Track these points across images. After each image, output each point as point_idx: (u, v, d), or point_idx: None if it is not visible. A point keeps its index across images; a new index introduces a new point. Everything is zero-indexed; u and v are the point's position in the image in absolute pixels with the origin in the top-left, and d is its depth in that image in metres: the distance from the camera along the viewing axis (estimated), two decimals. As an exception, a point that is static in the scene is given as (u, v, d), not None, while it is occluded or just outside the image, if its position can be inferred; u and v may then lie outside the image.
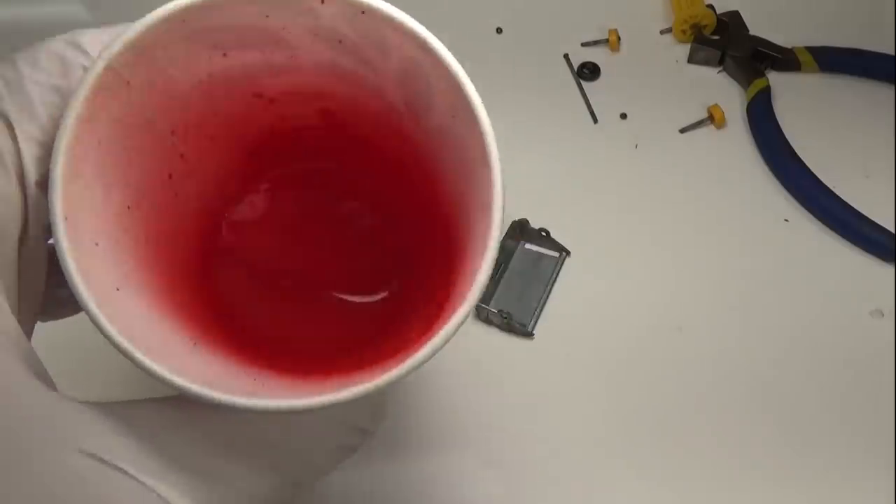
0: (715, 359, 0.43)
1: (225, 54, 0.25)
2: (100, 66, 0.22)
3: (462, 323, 0.23)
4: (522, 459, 0.40)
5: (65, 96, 0.23)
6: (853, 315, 0.44)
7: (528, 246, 0.47)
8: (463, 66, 0.26)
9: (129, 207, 0.24)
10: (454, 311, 0.23)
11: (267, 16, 0.24)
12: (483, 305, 0.43)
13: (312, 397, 0.22)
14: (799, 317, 0.44)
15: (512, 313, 0.43)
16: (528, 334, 0.44)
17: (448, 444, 0.40)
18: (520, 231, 0.46)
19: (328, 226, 0.33)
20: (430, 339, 0.23)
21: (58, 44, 0.24)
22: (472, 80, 0.25)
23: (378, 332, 0.30)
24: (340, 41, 0.26)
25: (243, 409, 0.21)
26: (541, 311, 0.44)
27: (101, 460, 0.21)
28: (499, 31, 0.57)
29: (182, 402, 0.23)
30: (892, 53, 0.54)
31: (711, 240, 0.47)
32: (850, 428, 0.41)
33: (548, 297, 0.45)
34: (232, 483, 0.23)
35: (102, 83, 0.22)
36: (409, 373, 0.22)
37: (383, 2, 0.25)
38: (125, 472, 0.21)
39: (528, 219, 0.46)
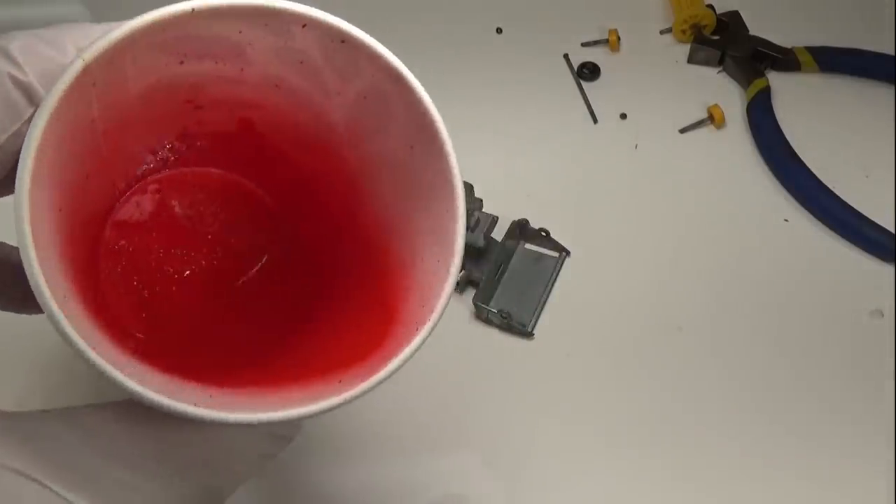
0: (715, 359, 0.43)
1: (181, 62, 0.25)
2: (78, 65, 0.22)
3: (425, 340, 0.25)
4: (522, 459, 0.40)
5: None
6: (853, 315, 0.44)
7: (528, 246, 0.47)
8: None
9: (60, 210, 0.24)
10: (417, 326, 0.25)
11: (240, 31, 0.24)
12: (483, 305, 0.43)
13: (282, 410, 0.22)
14: (799, 317, 0.44)
15: (512, 313, 0.43)
16: (528, 334, 0.44)
17: (448, 444, 0.40)
18: (520, 231, 0.46)
19: (218, 231, 0.32)
20: (395, 353, 0.24)
21: None
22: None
23: (285, 337, 0.30)
24: (302, 62, 0.26)
25: (209, 421, 0.21)
26: (541, 311, 0.44)
27: (18, 472, 0.21)
28: (499, 31, 0.57)
29: (93, 411, 0.23)
30: (892, 53, 0.54)
31: (711, 240, 0.47)
32: (850, 428, 0.41)
33: (548, 297, 0.45)
34: (148, 493, 0.23)
35: (77, 82, 0.22)
36: (377, 385, 0.24)
37: (363, 32, 0.25)
38: (41, 484, 0.21)
39: (528, 219, 0.46)
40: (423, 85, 0.25)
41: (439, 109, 0.26)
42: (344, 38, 0.24)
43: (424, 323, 0.25)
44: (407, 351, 0.24)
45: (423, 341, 0.24)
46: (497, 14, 0.57)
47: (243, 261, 0.32)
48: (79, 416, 0.23)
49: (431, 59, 0.55)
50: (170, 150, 0.30)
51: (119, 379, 0.21)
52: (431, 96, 0.25)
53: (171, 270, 0.31)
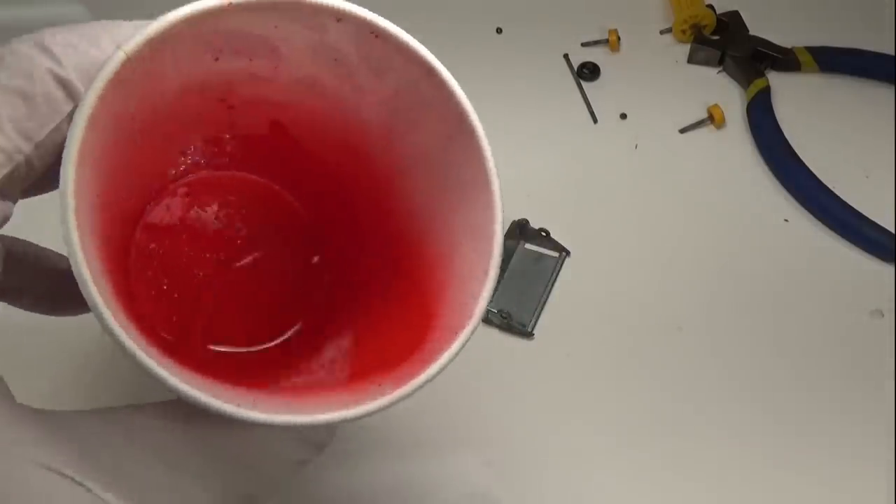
0: (715, 359, 0.43)
1: (217, 59, 0.25)
2: (119, 57, 0.22)
3: (468, 340, 0.25)
4: (522, 459, 0.40)
5: (29, 101, 0.22)
6: (853, 315, 0.44)
7: (528, 246, 0.47)
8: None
9: (96, 209, 0.24)
10: (456, 330, 0.24)
11: (276, 26, 0.24)
12: (483, 305, 0.43)
13: (324, 413, 0.22)
14: (799, 317, 0.44)
15: (512, 313, 0.43)
16: (528, 334, 0.44)
17: (448, 444, 0.40)
18: (520, 231, 0.46)
19: (248, 235, 0.32)
20: (435, 357, 0.24)
21: (24, 45, 0.23)
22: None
23: (320, 340, 0.30)
24: (336, 59, 0.26)
25: (253, 422, 0.21)
26: (541, 311, 0.44)
27: (52, 469, 0.21)
28: (499, 31, 0.57)
29: (133, 412, 0.23)
30: (892, 53, 0.54)
31: (711, 240, 0.47)
32: (851, 428, 0.41)
33: (548, 297, 0.45)
34: (186, 494, 0.23)
35: (118, 75, 0.22)
36: (417, 389, 0.24)
37: (396, 26, 0.25)
38: (75, 481, 0.21)
39: (528, 219, 0.46)
40: (468, 100, 0.25)
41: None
42: (377, 33, 0.24)
43: (464, 327, 0.24)
44: (447, 356, 0.24)
45: (463, 346, 0.24)
46: (497, 14, 0.57)
47: (274, 265, 0.32)
48: (116, 415, 0.23)
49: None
50: (201, 152, 0.30)
51: (167, 379, 0.21)
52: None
53: (202, 274, 0.31)
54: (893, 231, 0.46)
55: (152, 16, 0.23)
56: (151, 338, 0.23)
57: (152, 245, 0.30)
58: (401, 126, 0.27)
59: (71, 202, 0.21)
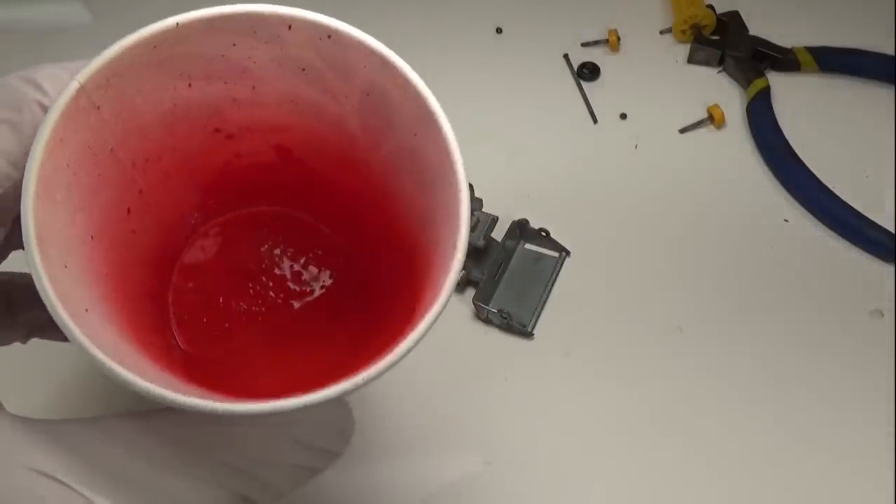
0: (715, 359, 0.43)
1: (190, 84, 0.25)
2: (73, 86, 0.22)
3: (435, 320, 0.23)
4: (522, 459, 0.40)
5: (17, 131, 0.23)
6: (853, 315, 0.44)
7: (528, 246, 0.47)
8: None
9: (92, 237, 0.24)
10: (423, 313, 0.23)
11: (234, 44, 0.24)
12: (483, 305, 0.43)
13: (297, 398, 0.22)
14: (799, 317, 0.44)
15: (512, 313, 0.43)
16: (528, 334, 0.44)
17: (448, 444, 0.40)
18: (520, 231, 0.46)
19: (279, 268, 0.33)
20: (402, 340, 0.23)
21: (13, 79, 0.24)
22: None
23: (346, 359, 0.30)
24: (304, 69, 0.26)
25: (238, 415, 0.21)
26: (541, 311, 0.44)
27: (48, 475, 0.21)
28: (499, 31, 0.57)
29: (125, 419, 0.23)
30: (892, 53, 0.54)
31: (711, 240, 0.47)
32: (851, 427, 0.41)
33: (548, 297, 0.45)
34: (177, 496, 0.23)
35: (75, 104, 0.22)
36: (386, 369, 0.22)
37: (347, 25, 0.25)
38: (71, 488, 0.21)
39: (528, 219, 0.46)
40: (425, 84, 0.25)
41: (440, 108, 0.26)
42: (330, 33, 0.25)
43: (431, 307, 0.24)
44: (413, 336, 0.23)
45: (430, 325, 0.23)
46: (497, 14, 0.57)
47: (307, 288, 0.32)
48: (107, 422, 0.23)
49: (431, 60, 0.55)
50: (217, 189, 0.31)
51: (122, 374, 0.21)
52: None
53: (243, 307, 0.31)
54: (893, 231, 0.46)
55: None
56: (186, 372, 0.23)
57: (190, 284, 0.31)
58: (380, 126, 0.27)
59: (30, 211, 0.21)
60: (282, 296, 0.32)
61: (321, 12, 0.25)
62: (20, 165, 0.23)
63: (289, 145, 0.30)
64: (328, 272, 0.32)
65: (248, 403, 0.21)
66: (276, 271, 0.32)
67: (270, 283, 0.32)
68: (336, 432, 0.26)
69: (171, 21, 0.23)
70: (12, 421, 0.22)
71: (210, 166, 0.30)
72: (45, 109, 0.23)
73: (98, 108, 0.23)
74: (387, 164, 0.28)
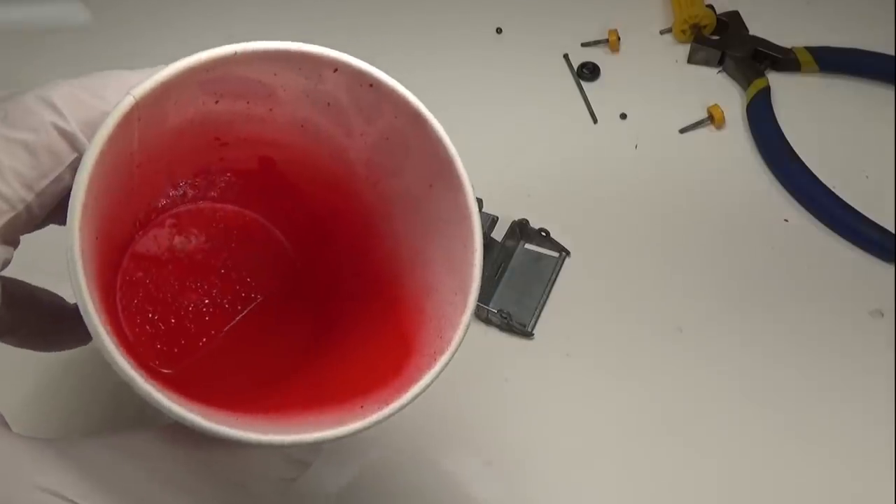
0: (715, 359, 0.43)
1: (217, 101, 0.26)
2: (128, 102, 0.23)
3: (443, 369, 0.26)
4: (522, 459, 0.40)
5: (32, 153, 0.23)
6: (853, 315, 0.44)
7: (528, 246, 0.47)
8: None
9: (96, 238, 0.24)
10: (434, 356, 0.26)
11: (276, 73, 0.25)
12: (483, 305, 0.43)
13: (312, 433, 0.23)
14: (799, 317, 0.44)
15: (512, 313, 0.43)
16: (528, 334, 0.44)
17: (448, 444, 0.40)
18: (520, 231, 0.46)
19: (232, 266, 0.33)
20: (416, 380, 0.26)
21: (29, 99, 0.24)
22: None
23: (301, 365, 0.31)
24: (329, 104, 0.27)
25: (246, 442, 0.22)
26: (541, 311, 0.44)
27: (57, 495, 0.22)
28: (499, 31, 0.57)
29: (130, 436, 0.24)
30: (892, 53, 0.54)
31: (711, 240, 0.47)
32: (851, 427, 0.41)
33: (548, 297, 0.45)
34: None
35: (125, 119, 0.23)
36: (397, 411, 0.25)
37: (388, 76, 0.26)
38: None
39: (528, 219, 0.46)
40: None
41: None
42: (372, 83, 0.26)
43: (443, 353, 0.26)
44: (427, 378, 0.25)
45: (442, 370, 0.26)
46: (497, 14, 0.57)
47: (258, 294, 0.33)
48: (113, 439, 0.24)
49: (432, 59, 0.55)
50: (191, 184, 0.31)
51: (168, 405, 0.22)
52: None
53: (187, 303, 0.32)
54: (893, 231, 0.46)
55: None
56: (138, 364, 0.24)
57: (139, 273, 0.31)
58: (387, 168, 0.28)
59: (78, 258, 0.22)
60: (228, 296, 0.32)
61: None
62: (34, 188, 0.23)
63: (275, 158, 0.30)
64: (278, 281, 0.33)
65: (272, 435, 0.23)
66: (222, 270, 0.32)
67: (217, 283, 0.32)
68: (315, 446, 0.27)
69: (230, 49, 0.24)
70: (19, 440, 0.23)
71: (193, 165, 0.30)
72: (60, 132, 0.23)
73: (139, 119, 0.24)
74: (383, 200, 0.29)
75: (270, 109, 0.27)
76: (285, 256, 0.33)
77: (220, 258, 0.32)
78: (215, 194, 0.32)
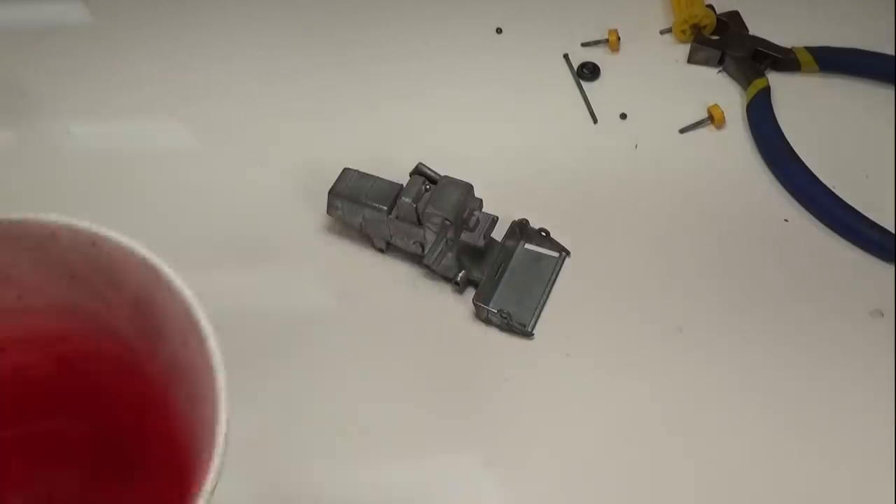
0: (715, 359, 0.43)
1: None
2: None
3: None
4: (522, 459, 0.40)
5: None
6: (853, 315, 0.44)
7: (528, 246, 0.47)
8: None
9: None
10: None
11: None
12: (483, 305, 0.43)
13: None
14: (799, 317, 0.44)
15: (512, 313, 0.43)
16: (528, 334, 0.44)
17: (448, 444, 0.40)
18: (520, 231, 0.46)
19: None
20: None
21: None
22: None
23: None
24: (73, 276, 0.25)
25: None
26: (541, 311, 0.44)
27: None
28: (499, 31, 0.57)
29: None
30: (892, 53, 0.54)
31: (711, 240, 0.47)
32: (850, 427, 0.41)
33: (548, 297, 0.45)
34: None
35: None
36: None
37: (113, 232, 0.24)
38: None
39: (528, 219, 0.46)
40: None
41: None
42: (94, 241, 0.24)
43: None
44: None
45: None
46: (497, 14, 0.57)
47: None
48: None
49: (432, 60, 0.55)
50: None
51: None
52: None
53: None
54: (893, 231, 0.46)
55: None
56: None
57: None
58: (153, 336, 0.26)
59: None
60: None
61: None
62: None
63: (70, 356, 0.28)
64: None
65: None
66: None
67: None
68: None
69: None
70: None
71: None
72: None
73: None
74: (161, 375, 0.27)
75: (19, 296, 0.25)
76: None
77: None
78: (21, 409, 0.29)
